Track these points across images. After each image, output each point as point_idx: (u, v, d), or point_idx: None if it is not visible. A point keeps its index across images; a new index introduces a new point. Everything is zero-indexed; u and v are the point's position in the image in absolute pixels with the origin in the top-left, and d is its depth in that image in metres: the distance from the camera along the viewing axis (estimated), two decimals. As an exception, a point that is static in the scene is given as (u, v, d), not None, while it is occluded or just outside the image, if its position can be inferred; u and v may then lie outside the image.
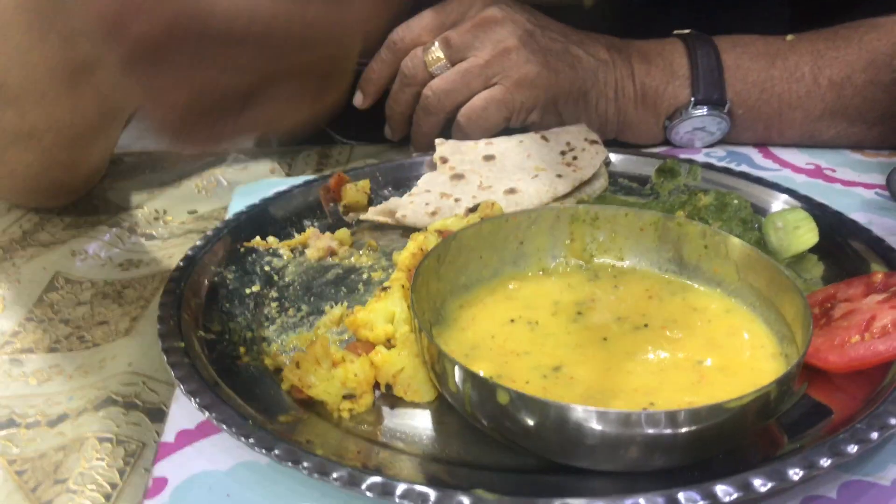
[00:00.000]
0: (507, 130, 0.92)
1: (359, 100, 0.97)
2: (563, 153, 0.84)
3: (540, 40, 0.91)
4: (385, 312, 0.58)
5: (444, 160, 0.85)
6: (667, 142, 0.98)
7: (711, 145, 0.97)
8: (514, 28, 0.90)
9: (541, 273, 0.64)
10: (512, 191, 0.79)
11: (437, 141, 0.90)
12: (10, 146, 0.79)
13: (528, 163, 0.84)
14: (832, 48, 0.94)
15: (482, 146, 0.87)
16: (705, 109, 0.93)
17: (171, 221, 0.87)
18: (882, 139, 0.95)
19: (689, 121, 0.94)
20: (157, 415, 0.57)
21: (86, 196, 0.91)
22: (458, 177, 0.82)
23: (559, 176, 0.80)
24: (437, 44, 0.91)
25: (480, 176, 0.82)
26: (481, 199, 0.77)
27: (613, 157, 0.88)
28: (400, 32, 0.94)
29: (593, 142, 0.85)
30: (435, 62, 0.91)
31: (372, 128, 1.02)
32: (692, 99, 0.93)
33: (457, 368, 0.48)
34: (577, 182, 0.80)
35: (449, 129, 0.93)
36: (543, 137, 0.87)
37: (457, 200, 0.78)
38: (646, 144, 0.98)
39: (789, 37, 0.97)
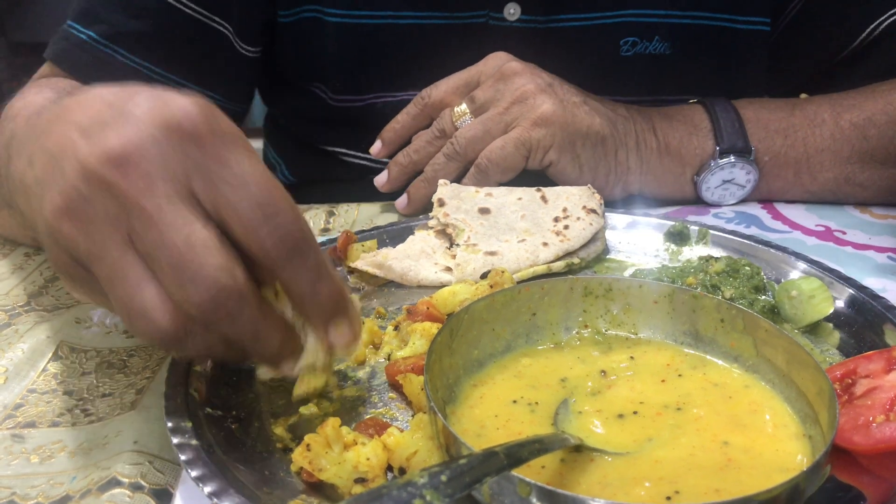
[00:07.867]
0: (524, 179, 0.93)
1: (377, 148, 1.03)
2: (556, 220, 0.84)
3: (558, 90, 0.94)
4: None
5: (442, 202, 0.87)
6: (699, 199, 0.98)
7: (735, 203, 0.97)
8: (532, 77, 0.93)
9: (553, 346, 0.63)
10: (493, 253, 0.80)
11: (440, 182, 0.91)
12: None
13: (520, 224, 0.84)
14: (847, 98, 0.96)
15: (481, 196, 0.88)
16: (732, 157, 0.94)
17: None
18: None
19: (718, 173, 0.95)
20: (164, 497, 0.55)
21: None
22: (445, 235, 0.84)
23: (545, 244, 0.80)
24: (464, 102, 0.96)
25: (470, 230, 0.83)
26: (462, 258, 0.79)
27: (622, 218, 0.88)
28: (428, 90, 1.00)
29: (591, 211, 0.84)
30: (460, 116, 0.96)
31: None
32: (717, 148, 0.94)
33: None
34: (562, 252, 0.80)
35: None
36: (543, 198, 0.87)
37: (436, 263, 0.81)
38: (676, 201, 0.98)
39: (802, 95, 0.98)
